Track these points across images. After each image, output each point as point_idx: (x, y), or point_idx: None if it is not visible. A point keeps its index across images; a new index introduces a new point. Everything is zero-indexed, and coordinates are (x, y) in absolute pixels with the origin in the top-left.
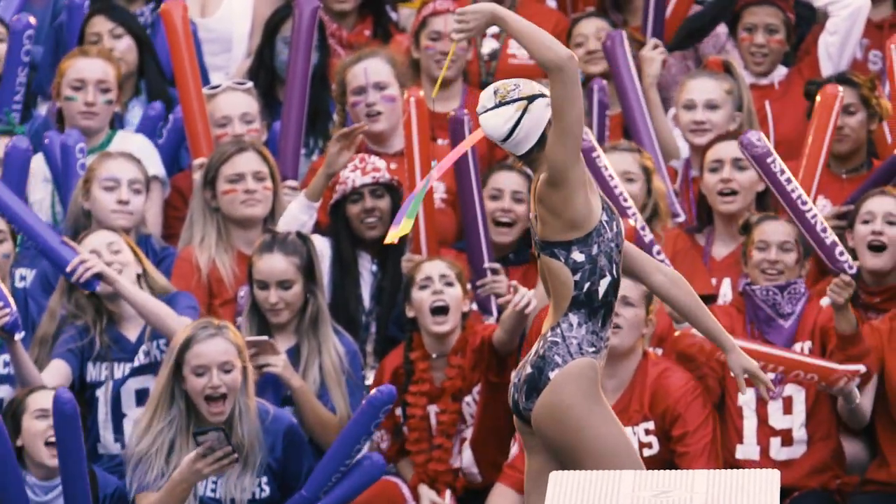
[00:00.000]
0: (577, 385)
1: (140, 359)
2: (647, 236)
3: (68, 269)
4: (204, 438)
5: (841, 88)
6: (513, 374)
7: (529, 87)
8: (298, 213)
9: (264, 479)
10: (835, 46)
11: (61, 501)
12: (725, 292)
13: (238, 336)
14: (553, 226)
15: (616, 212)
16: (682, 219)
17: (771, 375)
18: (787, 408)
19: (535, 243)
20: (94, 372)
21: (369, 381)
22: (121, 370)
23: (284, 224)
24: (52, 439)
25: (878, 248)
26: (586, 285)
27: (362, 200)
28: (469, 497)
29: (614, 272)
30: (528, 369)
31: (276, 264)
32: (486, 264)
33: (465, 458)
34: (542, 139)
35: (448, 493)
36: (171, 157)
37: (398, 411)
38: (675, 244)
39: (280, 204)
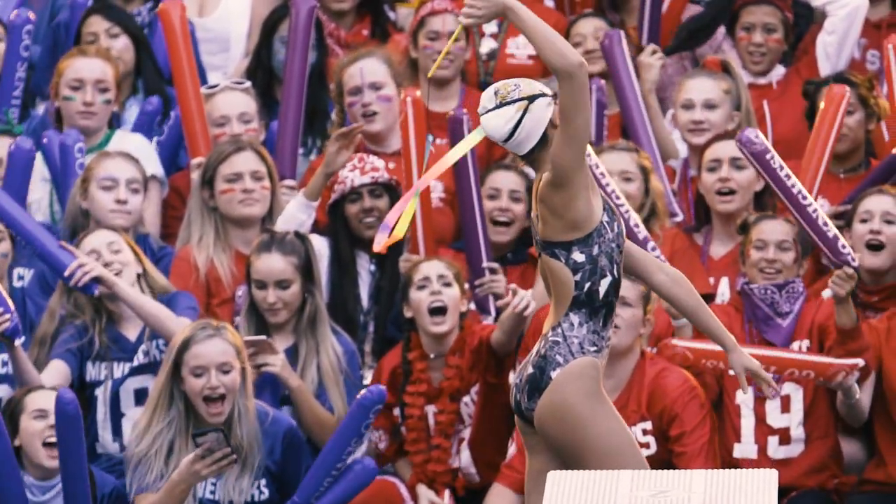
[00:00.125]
0: (579, 384)
1: (139, 358)
2: (642, 233)
3: (66, 273)
4: (203, 440)
5: (848, 89)
6: (513, 374)
7: (530, 87)
8: (297, 213)
9: (263, 482)
10: (833, 46)
11: (59, 501)
12: (723, 291)
13: (237, 337)
14: (554, 226)
15: (617, 212)
16: (680, 218)
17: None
18: (785, 406)
19: (536, 243)
20: (93, 371)
21: (367, 380)
22: (120, 370)
23: (283, 223)
24: (50, 440)
25: (876, 246)
26: (587, 285)
27: (361, 200)
28: (467, 497)
29: (615, 272)
30: (530, 369)
31: (274, 264)
32: (485, 264)
33: (464, 459)
34: (544, 139)
35: (447, 493)
36: (170, 157)
37: (396, 411)
38: (673, 244)
39: (278, 203)
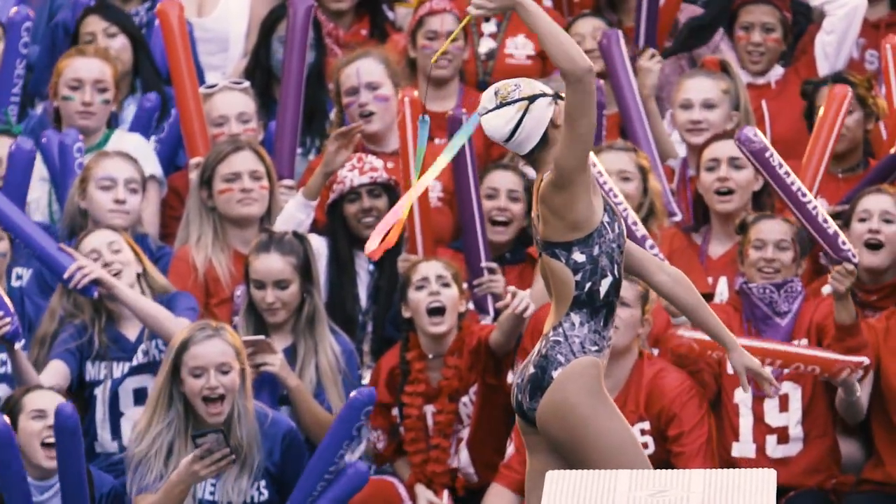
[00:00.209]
0: (580, 383)
1: (139, 358)
2: (640, 231)
3: (66, 275)
4: (202, 441)
5: (850, 88)
6: (515, 375)
7: (530, 86)
8: (296, 212)
9: (262, 483)
10: (832, 46)
11: (57, 501)
12: (722, 291)
13: (236, 338)
14: (555, 226)
15: (618, 213)
16: (679, 218)
17: (769, 369)
18: (784, 405)
19: (537, 243)
20: (92, 371)
21: (366, 380)
22: (120, 369)
23: (282, 222)
24: (49, 440)
25: (875, 246)
26: (588, 285)
27: (360, 200)
28: (465, 497)
29: (616, 272)
30: (531, 369)
31: (272, 264)
32: (483, 263)
33: (462, 459)
34: (545, 139)
35: (445, 493)
36: (169, 157)
37: (394, 411)
38: (671, 243)
39: (276, 203)
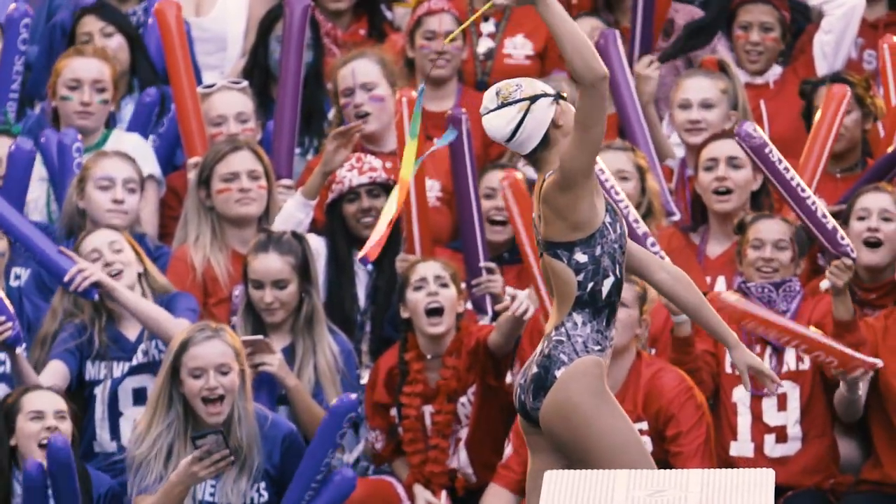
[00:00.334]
0: (584, 382)
1: (138, 358)
2: (641, 228)
3: (66, 278)
4: (202, 442)
5: (848, 88)
6: (517, 376)
7: (532, 87)
8: (295, 211)
9: (262, 485)
10: (830, 45)
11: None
12: (719, 290)
13: (236, 339)
14: (557, 226)
15: (620, 213)
16: (677, 217)
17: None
18: (782, 404)
19: (538, 243)
20: (92, 371)
21: (364, 380)
22: (119, 369)
23: (281, 222)
24: (45, 442)
25: (873, 244)
26: (590, 285)
27: (359, 200)
28: (464, 497)
29: (618, 272)
30: (535, 369)
31: (271, 264)
32: (482, 263)
33: (461, 459)
34: (546, 139)
35: (443, 493)
36: (167, 156)
37: (393, 411)
38: (669, 243)
39: (274, 203)
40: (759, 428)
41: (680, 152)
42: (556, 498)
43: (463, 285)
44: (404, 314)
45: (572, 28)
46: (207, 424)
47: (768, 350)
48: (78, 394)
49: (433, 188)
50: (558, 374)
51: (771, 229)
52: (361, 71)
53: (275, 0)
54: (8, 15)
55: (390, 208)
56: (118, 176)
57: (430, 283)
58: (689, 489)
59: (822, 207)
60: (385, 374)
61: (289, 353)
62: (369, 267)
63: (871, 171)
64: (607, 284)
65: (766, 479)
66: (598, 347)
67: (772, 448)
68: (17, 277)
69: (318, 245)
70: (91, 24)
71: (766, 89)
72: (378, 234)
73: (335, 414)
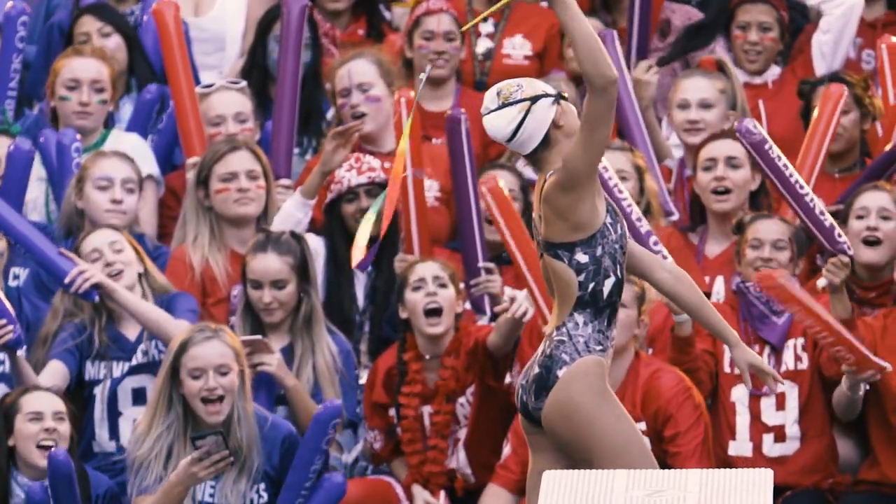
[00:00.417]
0: (586, 382)
1: (138, 358)
2: (644, 227)
3: (66, 280)
4: (202, 442)
5: (846, 88)
6: (519, 377)
7: (532, 87)
8: (294, 211)
9: (262, 486)
10: (828, 45)
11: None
12: (718, 290)
13: (235, 340)
14: (557, 227)
15: (620, 214)
16: (676, 217)
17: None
18: (780, 404)
19: (539, 243)
20: (92, 370)
21: (363, 380)
22: (119, 369)
23: (280, 221)
24: (45, 443)
25: (873, 242)
26: (591, 286)
27: (358, 200)
28: (463, 497)
29: (619, 273)
30: (536, 369)
31: (269, 264)
32: (481, 263)
33: (460, 459)
34: (546, 139)
35: (442, 493)
36: (165, 156)
37: (391, 412)
38: (668, 243)
39: (273, 203)
40: (758, 427)
41: (678, 152)
42: (555, 498)
43: (462, 285)
44: (403, 314)
45: (587, 29)
46: (207, 425)
47: (767, 349)
48: (77, 393)
49: (432, 188)
50: (560, 373)
51: (769, 229)
52: (358, 71)
53: (273, 0)
54: (5, 13)
55: (377, 208)
56: (117, 176)
57: (429, 283)
58: (687, 489)
59: (819, 205)
60: (384, 374)
61: (287, 353)
62: (368, 267)
63: (869, 169)
64: (608, 285)
65: (764, 478)
66: (600, 347)
67: (770, 448)
68: (16, 277)
69: (316, 245)
70: (89, 24)
71: (764, 89)
72: (363, 237)
73: (319, 421)
